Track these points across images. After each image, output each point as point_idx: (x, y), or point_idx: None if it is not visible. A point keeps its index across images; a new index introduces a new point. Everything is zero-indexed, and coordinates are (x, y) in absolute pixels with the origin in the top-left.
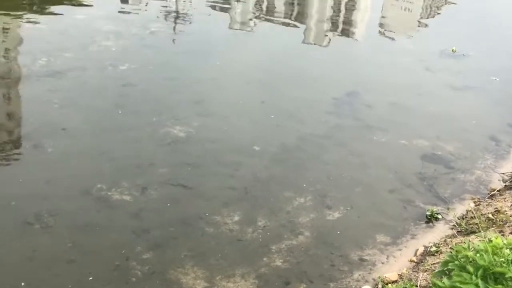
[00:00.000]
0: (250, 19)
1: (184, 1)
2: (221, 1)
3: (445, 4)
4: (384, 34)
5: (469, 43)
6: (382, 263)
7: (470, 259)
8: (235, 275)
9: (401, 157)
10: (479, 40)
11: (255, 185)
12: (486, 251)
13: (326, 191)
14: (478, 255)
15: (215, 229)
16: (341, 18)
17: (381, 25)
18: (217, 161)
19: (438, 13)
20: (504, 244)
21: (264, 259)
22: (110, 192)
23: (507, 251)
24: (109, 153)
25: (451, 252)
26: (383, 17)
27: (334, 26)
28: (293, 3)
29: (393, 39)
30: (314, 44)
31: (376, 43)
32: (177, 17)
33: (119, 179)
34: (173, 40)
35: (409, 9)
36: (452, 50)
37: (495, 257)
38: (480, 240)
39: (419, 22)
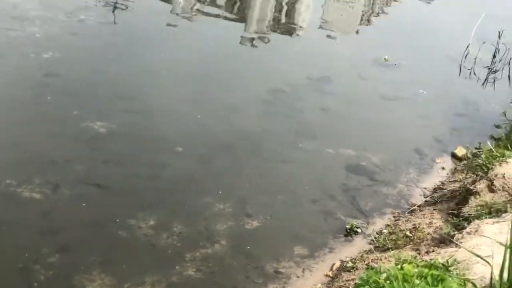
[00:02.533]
0: (192, 10)
1: None
2: None
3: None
4: (323, 37)
5: (403, 52)
6: (298, 276)
7: (381, 285)
8: (144, 283)
9: (326, 167)
10: (413, 50)
11: (174, 188)
12: (397, 278)
13: (247, 198)
14: (388, 282)
15: (128, 233)
16: (282, 18)
17: (321, 27)
18: (137, 161)
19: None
20: (415, 272)
21: (177, 267)
22: (20, 188)
23: (417, 281)
24: (22, 147)
25: (362, 275)
26: (323, 19)
27: (275, 25)
28: None
29: (330, 41)
30: (253, 41)
31: (313, 46)
32: (114, 6)
33: (31, 175)
34: (103, 29)
35: (352, 8)
36: (385, 59)
37: (405, 284)
38: (394, 261)
39: (360, 23)
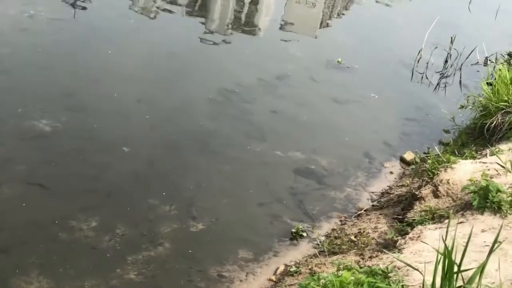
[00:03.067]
0: (151, 7)
1: None
2: None
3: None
4: (280, 38)
5: (357, 55)
6: (241, 280)
7: None
8: (83, 286)
9: (274, 169)
10: (367, 53)
11: (119, 190)
12: (333, 285)
13: (193, 201)
14: None
15: (69, 234)
16: (243, 18)
17: (281, 28)
18: (81, 160)
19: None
20: (351, 279)
21: (118, 270)
22: None
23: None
24: None
25: (301, 283)
26: (284, 20)
27: (235, 22)
28: None
29: (287, 43)
30: (210, 41)
31: (269, 47)
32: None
33: None
34: (55, 25)
35: (313, 9)
36: (338, 61)
37: None
38: (336, 267)
39: (320, 25)
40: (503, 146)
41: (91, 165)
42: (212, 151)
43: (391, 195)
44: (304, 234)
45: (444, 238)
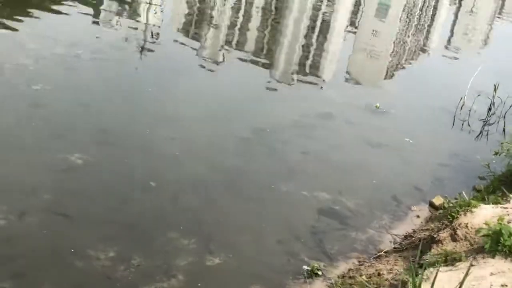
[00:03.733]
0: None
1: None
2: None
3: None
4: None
5: (398, 100)
6: None
7: None
8: None
9: (298, 209)
10: (410, 99)
11: (140, 222)
12: None
13: (212, 236)
14: None
15: (85, 263)
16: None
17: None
18: (107, 193)
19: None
20: None
21: None
22: None
23: None
24: None
25: None
26: (347, 71)
27: (300, 71)
28: (264, 38)
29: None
30: (276, 87)
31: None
32: (141, 47)
33: None
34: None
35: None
36: (376, 106)
37: None
38: None
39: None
40: None
41: (116, 198)
42: (238, 189)
43: (413, 238)
44: (319, 273)
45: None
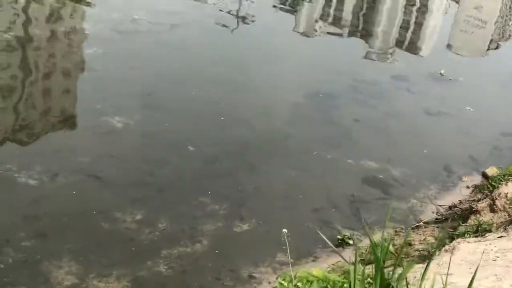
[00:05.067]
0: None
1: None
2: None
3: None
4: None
5: (463, 68)
6: (269, 282)
7: None
8: (110, 275)
9: (341, 177)
10: (482, 67)
11: (173, 186)
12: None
13: (246, 201)
14: None
15: (111, 225)
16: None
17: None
18: (143, 156)
19: None
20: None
21: (148, 262)
22: (18, 174)
23: None
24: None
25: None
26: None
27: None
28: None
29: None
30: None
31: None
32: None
33: (34, 163)
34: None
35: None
36: (440, 74)
37: None
38: None
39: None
40: None
41: (151, 161)
42: (282, 155)
43: (456, 209)
44: (350, 242)
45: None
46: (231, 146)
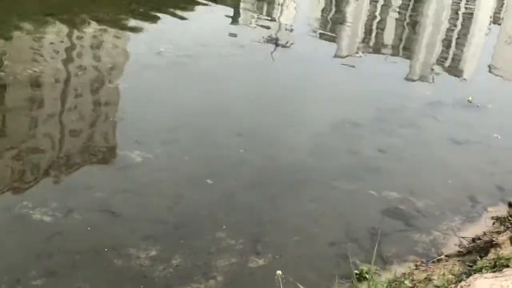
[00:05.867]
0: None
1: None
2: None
3: None
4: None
5: (492, 95)
6: None
7: None
8: None
9: (362, 209)
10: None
11: (189, 221)
12: None
13: (262, 236)
14: None
15: (124, 262)
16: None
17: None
18: (160, 191)
19: None
20: None
21: None
22: (33, 211)
23: None
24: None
25: None
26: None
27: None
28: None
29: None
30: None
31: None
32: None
33: (49, 200)
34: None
35: None
36: (468, 100)
37: None
38: None
39: None
40: None
41: (168, 196)
42: (299, 188)
43: (479, 241)
44: (368, 277)
45: None
46: (250, 179)
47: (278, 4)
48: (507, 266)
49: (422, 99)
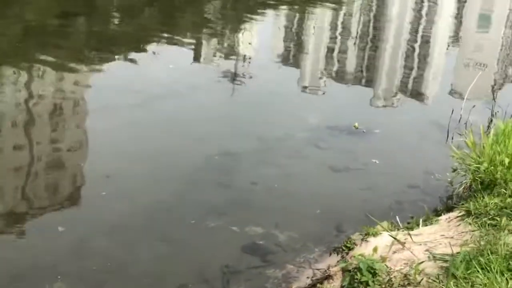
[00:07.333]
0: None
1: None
2: None
3: None
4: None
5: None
6: None
7: None
8: None
9: (220, 247)
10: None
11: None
12: None
13: (104, 284)
14: None
15: None
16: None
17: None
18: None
19: None
20: None
21: None
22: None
23: None
24: None
25: None
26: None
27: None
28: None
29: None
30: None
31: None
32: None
33: None
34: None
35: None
36: (354, 126)
37: None
38: None
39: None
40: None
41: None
42: (156, 228)
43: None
44: None
45: None
46: (110, 219)
47: (237, 36)
48: None
49: (307, 126)
